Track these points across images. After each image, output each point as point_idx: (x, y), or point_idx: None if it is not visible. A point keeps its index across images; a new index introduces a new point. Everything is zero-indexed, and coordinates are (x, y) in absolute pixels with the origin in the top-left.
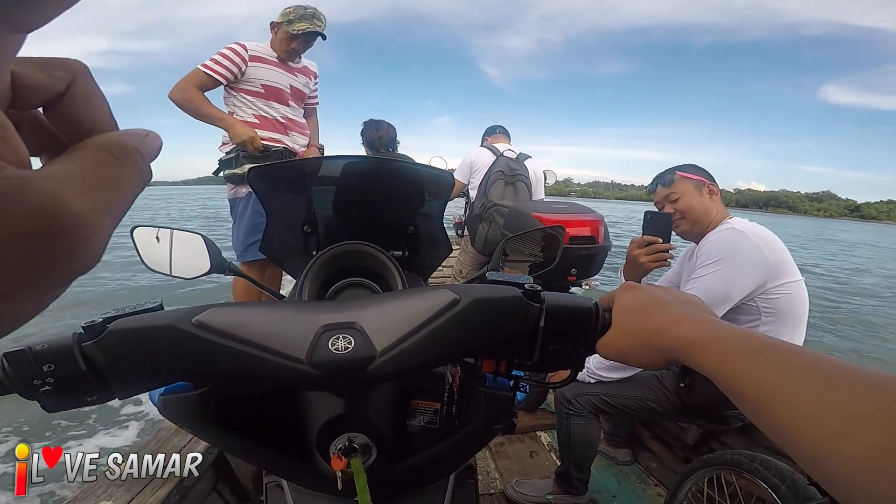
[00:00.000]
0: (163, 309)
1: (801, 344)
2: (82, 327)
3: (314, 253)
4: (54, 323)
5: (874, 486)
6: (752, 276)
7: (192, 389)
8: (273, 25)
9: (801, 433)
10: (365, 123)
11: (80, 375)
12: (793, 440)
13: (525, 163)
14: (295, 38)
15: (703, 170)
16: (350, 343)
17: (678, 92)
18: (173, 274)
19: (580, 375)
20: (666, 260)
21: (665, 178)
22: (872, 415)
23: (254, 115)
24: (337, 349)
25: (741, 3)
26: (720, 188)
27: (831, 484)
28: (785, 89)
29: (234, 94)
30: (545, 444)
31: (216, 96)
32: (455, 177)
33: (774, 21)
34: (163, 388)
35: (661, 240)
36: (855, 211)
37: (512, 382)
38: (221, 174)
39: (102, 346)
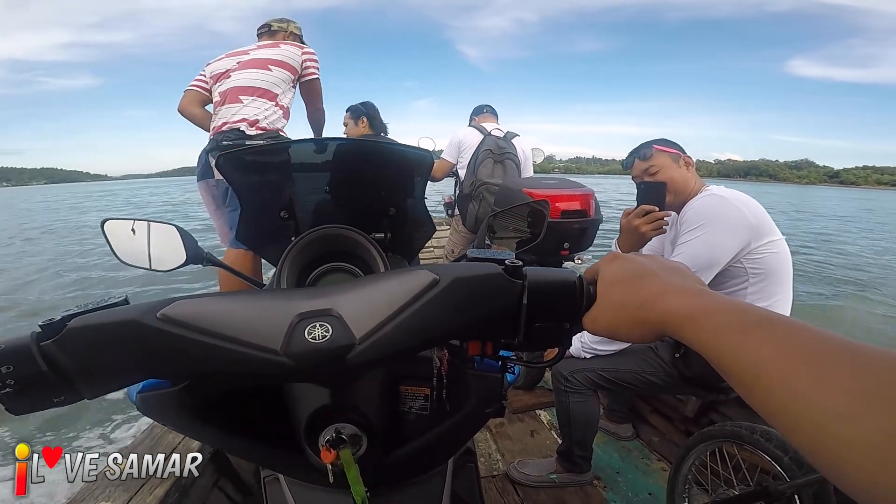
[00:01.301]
0: (128, 303)
1: (790, 301)
2: (40, 326)
3: (293, 239)
4: None
5: (878, 474)
6: (736, 237)
7: (170, 386)
8: (291, 34)
9: (798, 415)
10: (364, 104)
11: (42, 376)
12: (790, 423)
13: (513, 141)
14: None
15: (675, 143)
16: (328, 331)
17: (652, 67)
18: (152, 267)
19: (575, 351)
20: (662, 228)
21: (642, 153)
22: (876, 395)
23: (288, 105)
24: (314, 338)
25: None
26: (699, 159)
27: (831, 470)
28: (754, 63)
29: (292, 90)
30: (545, 422)
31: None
32: (443, 157)
33: None
34: (140, 386)
35: (657, 208)
36: (834, 177)
37: (500, 363)
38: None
39: (62, 345)
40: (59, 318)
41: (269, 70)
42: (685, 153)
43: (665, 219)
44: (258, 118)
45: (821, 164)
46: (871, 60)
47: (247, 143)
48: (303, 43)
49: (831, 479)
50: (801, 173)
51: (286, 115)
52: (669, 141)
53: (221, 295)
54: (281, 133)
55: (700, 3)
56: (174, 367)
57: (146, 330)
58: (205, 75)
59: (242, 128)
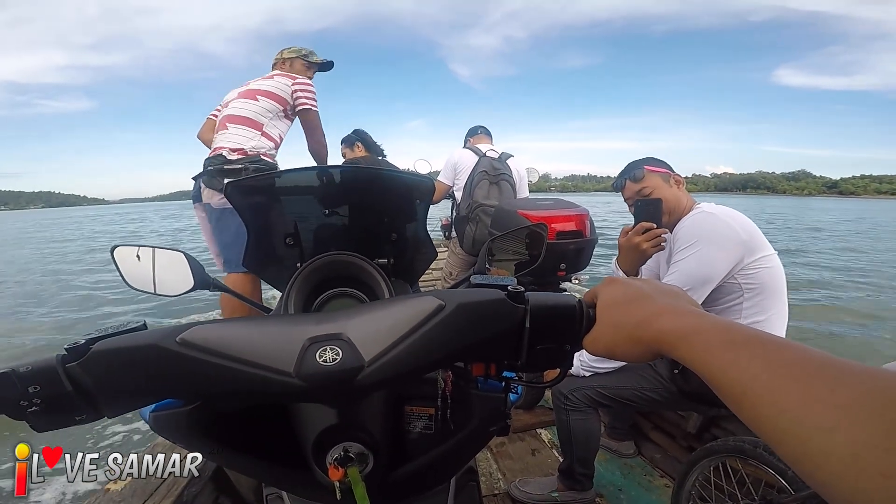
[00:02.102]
0: (146, 329)
1: (786, 315)
2: (65, 349)
3: (298, 265)
4: None
5: (858, 482)
6: (728, 253)
7: (182, 405)
8: (286, 60)
9: (784, 430)
10: (355, 132)
11: (67, 396)
12: (777, 437)
13: (507, 162)
14: (312, 66)
15: (663, 161)
16: (338, 354)
17: (641, 81)
18: (157, 292)
19: (574, 369)
20: (661, 244)
21: (633, 174)
22: (854, 408)
23: (279, 135)
24: (325, 361)
25: None
26: (694, 173)
27: (816, 481)
28: (741, 74)
29: (284, 120)
30: (546, 441)
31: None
32: (440, 179)
33: (724, 8)
34: (153, 405)
35: (655, 225)
36: (833, 187)
37: (503, 384)
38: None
39: (86, 367)
40: (84, 341)
41: (256, 100)
42: (674, 171)
43: (664, 235)
44: (242, 145)
45: (818, 175)
46: (853, 67)
47: (225, 167)
48: (309, 64)
49: (817, 489)
50: (800, 184)
51: (276, 144)
52: (658, 160)
53: (236, 320)
54: (264, 158)
55: (683, 14)
56: (192, 388)
57: (166, 353)
58: (220, 105)
59: (224, 153)
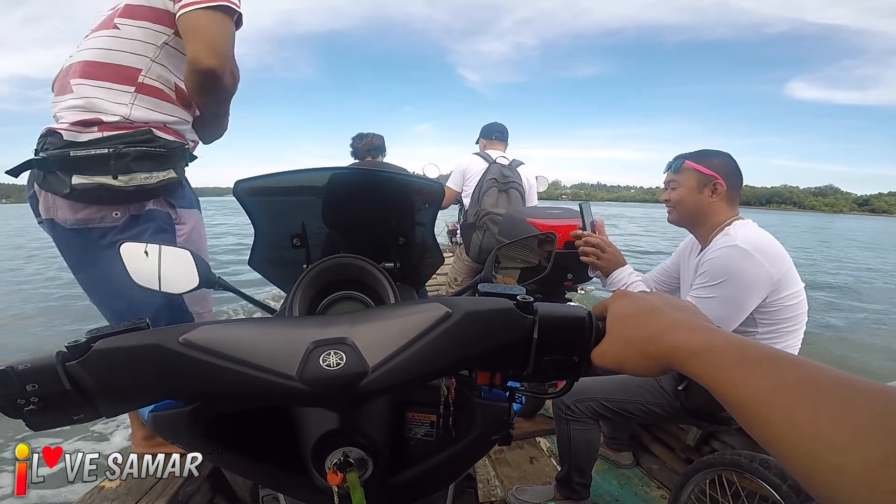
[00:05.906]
0: (149, 327)
1: (798, 347)
2: (66, 346)
3: (304, 267)
4: None
5: (869, 499)
6: (755, 294)
7: (182, 406)
8: None
9: (795, 446)
10: (353, 138)
11: (65, 394)
12: (788, 453)
13: (518, 169)
14: None
15: (727, 163)
16: (342, 359)
17: (654, 91)
18: (162, 289)
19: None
20: (586, 251)
21: (674, 164)
22: (868, 427)
23: (176, 83)
24: (328, 365)
25: (707, 3)
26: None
27: (825, 496)
28: (752, 86)
29: (177, 50)
30: (545, 449)
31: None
32: (448, 185)
33: (739, 20)
34: (153, 405)
35: (585, 230)
36: (864, 205)
37: (507, 393)
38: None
39: (87, 366)
40: (85, 339)
41: (117, 28)
42: (730, 175)
43: (589, 239)
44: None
45: (844, 190)
46: (867, 82)
47: (73, 152)
48: None
49: None
50: (828, 200)
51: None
52: (720, 158)
53: (240, 321)
54: (157, 133)
55: (698, 26)
56: (193, 389)
57: (168, 354)
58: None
59: (63, 130)
